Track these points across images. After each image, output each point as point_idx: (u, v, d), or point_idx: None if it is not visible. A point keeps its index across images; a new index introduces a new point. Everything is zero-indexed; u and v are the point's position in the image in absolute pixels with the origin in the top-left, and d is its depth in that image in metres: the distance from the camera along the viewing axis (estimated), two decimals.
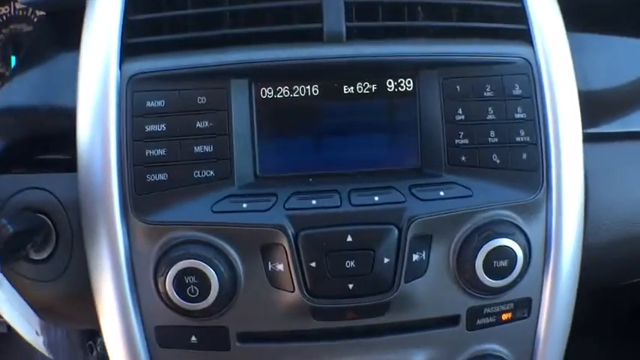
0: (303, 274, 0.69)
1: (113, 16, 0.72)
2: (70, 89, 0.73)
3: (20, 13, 1.03)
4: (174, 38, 0.72)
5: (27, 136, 0.80)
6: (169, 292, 0.68)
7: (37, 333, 0.83)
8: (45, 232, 0.76)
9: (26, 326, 0.81)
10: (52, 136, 0.78)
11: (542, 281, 0.75)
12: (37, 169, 0.78)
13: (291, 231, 0.68)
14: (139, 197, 0.70)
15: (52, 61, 0.80)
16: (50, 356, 0.86)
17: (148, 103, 0.70)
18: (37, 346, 0.83)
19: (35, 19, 1.02)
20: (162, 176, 0.69)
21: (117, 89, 0.70)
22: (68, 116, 0.73)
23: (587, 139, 0.76)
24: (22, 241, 0.73)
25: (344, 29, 0.72)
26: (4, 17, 1.04)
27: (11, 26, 1.02)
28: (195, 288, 0.68)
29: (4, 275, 0.76)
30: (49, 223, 0.76)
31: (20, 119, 0.79)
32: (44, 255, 0.77)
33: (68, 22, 0.76)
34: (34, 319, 0.82)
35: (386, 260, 0.69)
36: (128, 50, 0.72)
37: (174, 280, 0.68)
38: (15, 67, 0.83)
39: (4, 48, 1.04)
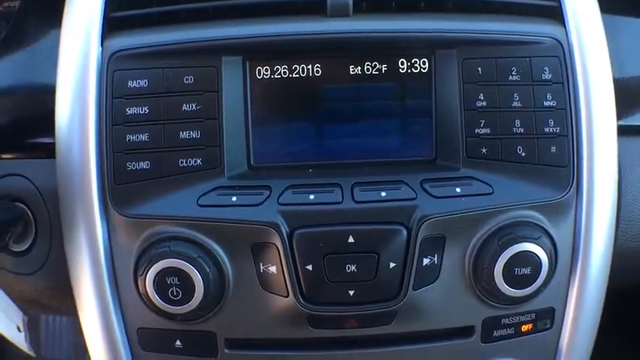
0: (298, 277, 0.63)
1: None
2: (54, 68, 0.68)
3: None
4: (160, 10, 0.67)
5: (10, 118, 0.75)
6: (150, 294, 0.63)
7: (18, 329, 0.78)
8: (24, 223, 0.72)
9: (7, 322, 0.76)
10: (36, 118, 0.73)
11: (568, 289, 0.69)
12: (23, 154, 0.74)
13: (284, 229, 0.62)
14: (119, 187, 0.64)
15: (35, 39, 0.76)
16: (32, 353, 0.81)
17: (130, 83, 0.64)
18: (18, 343, 0.79)
19: None
20: (144, 164, 0.64)
21: (97, 67, 0.65)
22: (51, 97, 0.68)
23: (622, 131, 0.69)
24: (0, 231, 0.68)
25: (350, 1, 0.65)
26: None
27: (5, 3, 0.98)
28: (178, 290, 0.63)
29: None
30: (28, 212, 0.72)
31: (3, 99, 0.75)
32: (24, 246, 0.73)
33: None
34: (17, 314, 0.78)
35: (392, 265, 0.63)
36: (111, 25, 0.67)
37: (154, 280, 0.63)
38: None
39: None
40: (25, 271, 0.73)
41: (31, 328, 0.83)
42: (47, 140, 0.70)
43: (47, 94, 0.69)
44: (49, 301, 0.78)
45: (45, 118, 0.69)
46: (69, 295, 0.70)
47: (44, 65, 0.71)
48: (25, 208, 0.72)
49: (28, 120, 0.74)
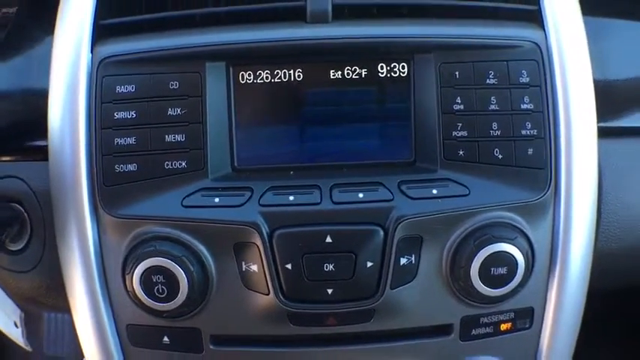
0: (278, 276, 0.64)
1: None
2: (48, 74, 0.70)
3: None
4: (147, 18, 0.68)
5: (6, 122, 0.77)
6: (137, 291, 0.65)
7: (15, 325, 0.80)
8: (21, 222, 0.74)
9: (4, 318, 0.79)
10: (31, 122, 0.75)
11: (547, 290, 0.69)
12: (19, 156, 0.76)
13: (265, 229, 0.64)
14: (108, 189, 0.66)
15: (30, 45, 0.78)
16: (28, 349, 0.83)
17: (118, 89, 0.66)
18: (15, 339, 0.81)
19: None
20: (131, 167, 0.65)
21: (87, 73, 0.67)
22: (46, 101, 0.69)
23: (602, 133, 0.69)
24: None
25: (330, 7, 0.66)
26: None
27: (2, 10, 1.00)
28: (163, 287, 0.64)
29: None
30: (24, 212, 0.74)
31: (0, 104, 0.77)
32: (20, 245, 0.75)
33: (49, 5, 0.73)
34: (14, 310, 0.80)
35: (369, 264, 0.64)
36: (101, 32, 0.68)
37: (141, 278, 0.64)
38: None
39: None
40: (21, 269, 0.76)
41: (31, 325, 0.85)
42: (42, 143, 0.72)
43: (42, 98, 0.70)
44: (45, 299, 0.79)
45: (40, 122, 0.70)
46: (63, 294, 0.71)
47: (39, 70, 0.73)
48: (21, 208, 0.74)
49: (24, 123, 0.76)
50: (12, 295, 0.80)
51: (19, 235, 0.75)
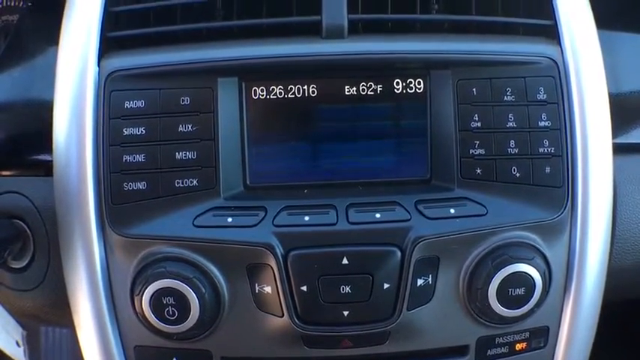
0: (292, 298, 0.63)
1: (93, 6, 0.67)
2: (51, 85, 0.68)
3: (12, 4, 0.98)
4: (157, 31, 0.67)
5: (8, 135, 0.75)
6: (146, 313, 0.63)
7: (17, 344, 0.78)
8: (23, 240, 0.72)
9: (6, 337, 0.77)
10: (34, 135, 0.73)
11: (562, 308, 0.68)
12: (21, 171, 0.74)
13: (279, 250, 0.62)
14: (116, 207, 0.64)
15: (33, 55, 0.76)
16: None
17: (127, 104, 0.64)
18: (17, 359, 0.79)
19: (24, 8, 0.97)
20: (140, 185, 0.64)
21: (94, 87, 0.65)
22: (49, 113, 0.68)
23: (617, 150, 0.69)
24: None
25: (345, 22, 0.65)
26: None
27: (3, 17, 0.98)
28: (174, 310, 0.62)
29: None
30: (27, 229, 0.72)
31: (1, 116, 0.74)
32: (23, 263, 0.73)
33: (52, 15, 0.71)
34: (16, 329, 0.78)
35: (386, 286, 0.63)
36: (108, 45, 0.66)
37: (150, 300, 0.63)
38: None
39: None
40: (24, 287, 0.74)
41: (31, 340, 0.83)
42: (45, 158, 0.71)
43: (45, 110, 0.68)
44: (48, 317, 0.78)
45: (43, 135, 0.69)
46: (67, 312, 0.70)
47: (42, 82, 0.71)
48: (24, 225, 0.72)
49: (26, 137, 0.74)
50: (14, 313, 0.78)
51: (21, 253, 0.73)
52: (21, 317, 0.81)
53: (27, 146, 0.75)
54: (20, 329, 0.79)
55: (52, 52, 0.71)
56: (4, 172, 0.75)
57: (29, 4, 0.87)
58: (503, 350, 0.68)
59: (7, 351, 0.78)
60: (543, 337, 0.69)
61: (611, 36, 0.74)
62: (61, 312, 0.73)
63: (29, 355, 0.82)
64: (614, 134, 0.68)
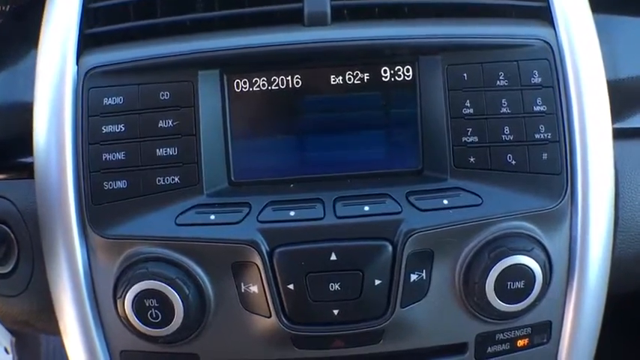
0: (280, 297, 0.61)
1: (72, 4, 0.66)
2: (33, 88, 0.67)
3: None
4: (136, 25, 0.65)
5: None
6: (129, 317, 0.61)
7: (6, 351, 0.77)
8: (7, 244, 0.71)
9: None
10: (17, 138, 0.72)
11: (565, 302, 0.66)
12: (4, 174, 0.73)
13: (264, 247, 0.60)
14: (97, 207, 0.62)
15: (15, 59, 0.75)
16: None
17: (106, 101, 0.62)
18: None
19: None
20: (120, 184, 0.62)
21: (73, 85, 0.64)
22: (31, 116, 0.66)
23: (617, 135, 0.66)
24: None
25: (328, 9, 0.63)
26: None
27: None
28: (157, 312, 0.61)
29: None
30: (11, 233, 0.71)
31: None
32: (8, 268, 0.72)
33: (33, 19, 0.70)
34: (4, 335, 0.77)
35: (377, 282, 0.61)
36: (86, 42, 0.65)
37: (133, 302, 0.61)
38: None
39: None
40: (10, 292, 0.72)
41: (25, 348, 0.81)
42: (29, 160, 0.69)
43: (28, 113, 0.67)
44: (36, 322, 0.76)
45: (26, 138, 0.67)
46: (54, 317, 0.68)
47: (25, 85, 0.70)
48: (7, 229, 0.71)
49: (9, 140, 0.73)
50: (2, 320, 0.77)
51: (5, 258, 0.71)
52: (10, 325, 0.79)
53: (10, 149, 0.74)
54: (9, 336, 0.78)
55: (32, 55, 0.70)
56: None
57: (11, 7, 0.86)
58: (504, 347, 0.66)
59: None
60: (546, 332, 0.66)
61: (608, 21, 0.71)
62: (47, 317, 0.71)
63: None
64: (613, 119, 0.66)
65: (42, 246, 0.66)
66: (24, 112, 0.69)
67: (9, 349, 0.78)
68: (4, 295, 0.73)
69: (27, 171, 0.70)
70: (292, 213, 0.61)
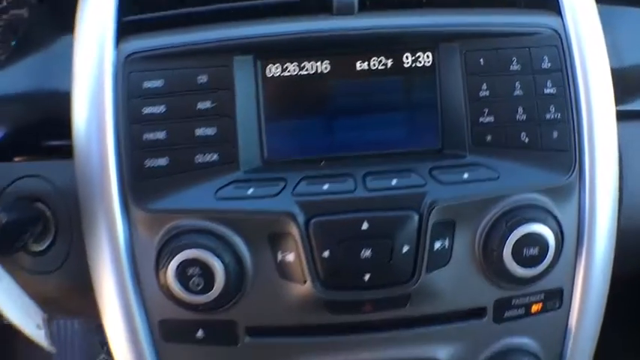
0: (315, 264, 0.64)
1: None
2: (67, 73, 0.69)
3: None
4: (173, 14, 0.68)
5: (26, 123, 0.77)
6: (171, 285, 0.64)
7: (38, 327, 0.79)
8: (43, 222, 0.73)
9: (26, 320, 0.77)
10: (52, 122, 0.75)
11: (575, 270, 0.70)
12: (40, 157, 0.75)
13: (301, 218, 0.64)
14: (138, 184, 0.65)
15: (48, 45, 0.77)
16: (52, 350, 0.82)
17: (146, 84, 0.66)
18: (37, 340, 0.80)
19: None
20: (162, 161, 0.65)
21: (113, 70, 0.66)
22: (67, 100, 0.69)
23: (621, 116, 0.71)
24: (19, 231, 0.70)
25: (356, 0, 0.67)
26: (4, 3, 1.00)
27: (11, 12, 0.99)
28: (200, 280, 0.64)
29: (3, 267, 0.72)
30: (47, 212, 0.73)
31: (18, 105, 0.76)
32: (43, 246, 0.74)
33: (63, 5, 0.73)
34: (37, 312, 0.79)
35: (405, 249, 0.64)
36: (124, 29, 0.68)
37: (176, 271, 0.64)
38: (10, 52, 0.79)
39: (5, 34, 1.00)
40: (45, 269, 0.75)
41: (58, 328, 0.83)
42: (62, 143, 0.72)
43: (61, 98, 0.70)
44: (68, 301, 0.78)
45: (58, 122, 0.70)
46: (87, 294, 0.71)
47: (57, 70, 0.73)
48: (44, 207, 0.73)
49: (43, 123, 0.76)
50: (35, 298, 0.79)
51: (42, 236, 0.74)
52: (40, 303, 0.81)
53: (43, 133, 0.77)
54: (41, 312, 0.79)
55: (64, 40, 0.73)
56: (23, 158, 0.76)
57: None
58: (520, 312, 0.70)
59: (28, 332, 0.78)
60: (558, 298, 0.71)
61: (611, 12, 0.76)
62: (81, 295, 0.74)
63: (51, 338, 0.82)
64: (619, 103, 0.70)
65: (81, 222, 0.69)
66: (57, 97, 0.72)
67: (41, 326, 0.80)
68: (39, 272, 0.75)
69: (59, 153, 0.72)
70: (326, 186, 0.64)
